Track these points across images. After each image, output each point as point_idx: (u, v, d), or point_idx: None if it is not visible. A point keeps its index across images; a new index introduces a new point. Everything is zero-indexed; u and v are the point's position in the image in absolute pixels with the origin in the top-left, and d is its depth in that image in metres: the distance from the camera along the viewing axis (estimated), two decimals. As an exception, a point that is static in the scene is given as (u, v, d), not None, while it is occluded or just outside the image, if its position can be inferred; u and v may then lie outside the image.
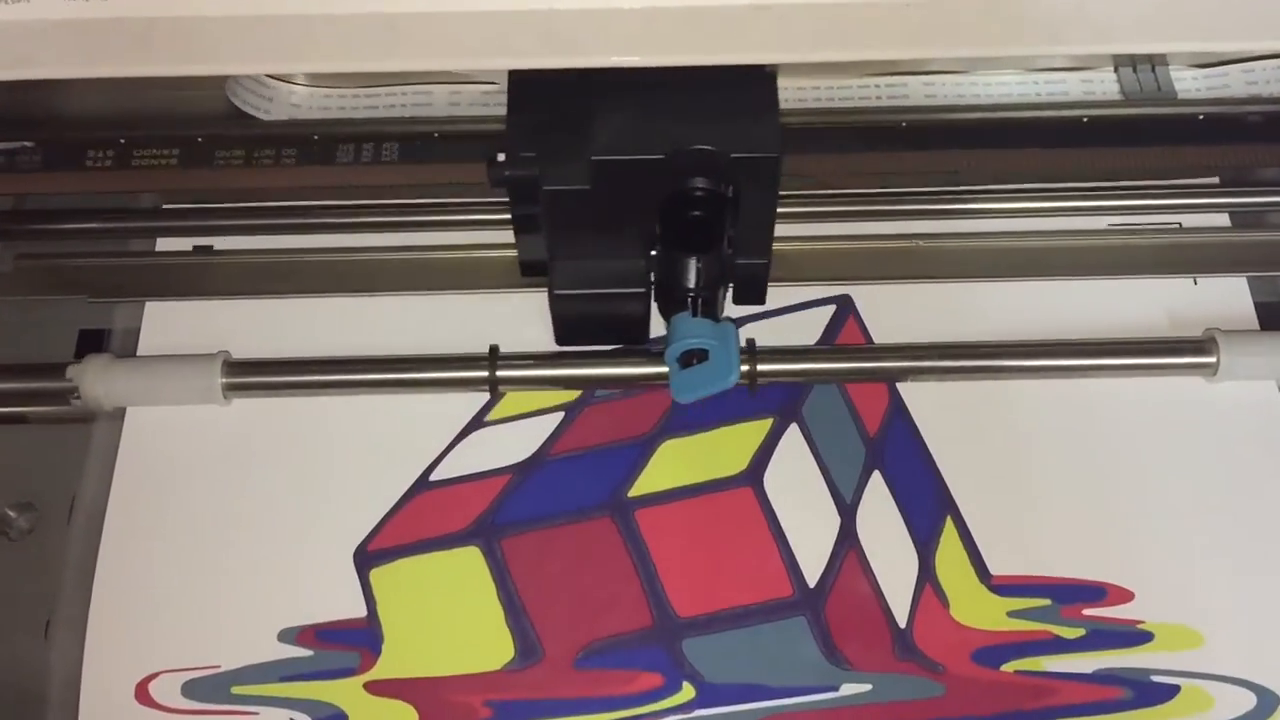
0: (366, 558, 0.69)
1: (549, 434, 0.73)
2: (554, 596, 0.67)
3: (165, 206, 0.82)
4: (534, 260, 0.72)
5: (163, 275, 0.78)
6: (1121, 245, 0.79)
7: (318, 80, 0.86)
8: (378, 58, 0.59)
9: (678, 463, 0.71)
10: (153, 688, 0.65)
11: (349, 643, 0.67)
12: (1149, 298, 0.76)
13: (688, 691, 0.65)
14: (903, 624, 0.67)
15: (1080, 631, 0.66)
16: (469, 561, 0.69)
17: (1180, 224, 0.80)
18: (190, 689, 0.65)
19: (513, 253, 0.72)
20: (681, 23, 0.58)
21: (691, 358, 0.67)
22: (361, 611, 0.67)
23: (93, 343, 0.76)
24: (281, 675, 0.66)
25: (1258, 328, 0.75)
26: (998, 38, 0.57)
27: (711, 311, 0.67)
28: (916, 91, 0.86)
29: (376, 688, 0.66)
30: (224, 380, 0.71)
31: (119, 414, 0.73)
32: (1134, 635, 0.66)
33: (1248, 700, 0.65)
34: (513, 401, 0.74)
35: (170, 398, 0.72)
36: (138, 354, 0.75)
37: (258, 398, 0.73)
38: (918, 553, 0.69)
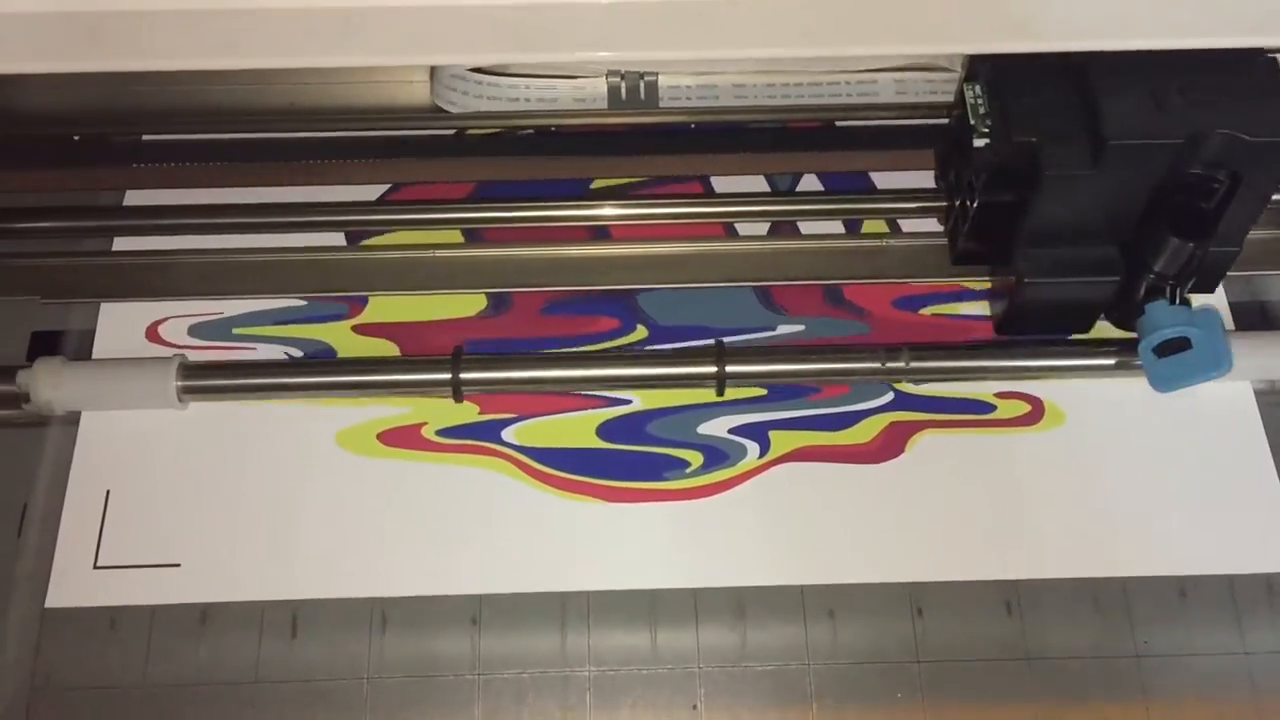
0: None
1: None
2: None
3: (125, 205, 0.80)
4: (975, 249, 0.72)
5: (119, 275, 0.77)
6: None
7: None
8: (330, 53, 0.57)
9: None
10: (162, 329, 0.75)
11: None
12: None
13: (641, 332, 0.75)
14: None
15: (988, 284, 0.76)
16: (449, 235, 0.78)
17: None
18: (196, 330, 0.75)
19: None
20: (654, 17, 0.56)
21: (1167, 347, 0.67)
22: None
23: (46, 345, 0.74)
24: (276, 319, 0.75)
25: (1232, 328, 0.74)
26: (968, 36, 0.56)
27: (1185, 299, 0.67)
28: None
29: (363, 329, 0.75)
30: (180, 383, 0.69)
31: (73, 418, 0.71)
32: None
33: None
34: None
35: (124, 402, 0.70)
36: (93, 356, 0.73)
37: (215, 401, 0.71)
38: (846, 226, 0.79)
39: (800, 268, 0.77)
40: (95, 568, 0.67)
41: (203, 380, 0.70)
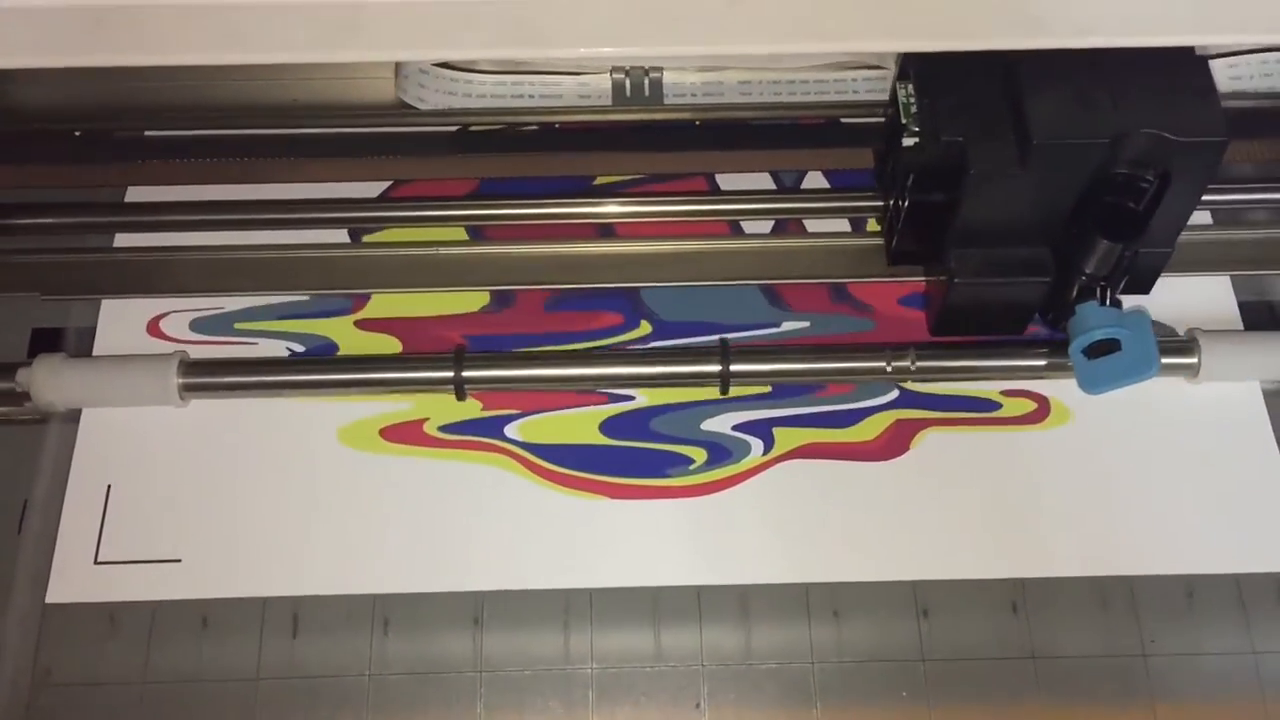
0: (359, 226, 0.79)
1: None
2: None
3: (126, 201, 0.79)
4: (910, 249, 0.72)
5: (119, 272, 0.76)
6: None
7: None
8: (335, 48, 0.56)
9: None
10: (164, 324, 0.74)
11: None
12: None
13: (645, 328, 0.75)
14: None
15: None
16: (452, 233, 0.78)
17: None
18: (197, 325, 0.74)
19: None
20: (655, 14, 0.56)
21: (1098, 348, 0.66)
22: None
23: (46, 342, 0.73)
24: (279, 314, 0.75)
25: (1241, 327, 0.74)
26: (978, 32, 0.56)
27: (1116, 300, 0.67)
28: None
29: (365, 325, 0.75)
30: (180, 381, 0.69)
31: (73, 416, 0.70)
32: None
33: None
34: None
35: (125, 399, 0.70)
36: (93, 353, 0.73)
37: (216, 399, 0.71)
38: (850, 222, 0.79)
39: (803, 266, 0.77)
40: (96, 563, 0.67)
41: (204, 378, 0.70)
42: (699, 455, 0.70)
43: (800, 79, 0.83)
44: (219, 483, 0.69)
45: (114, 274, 0.76)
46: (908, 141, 0.65)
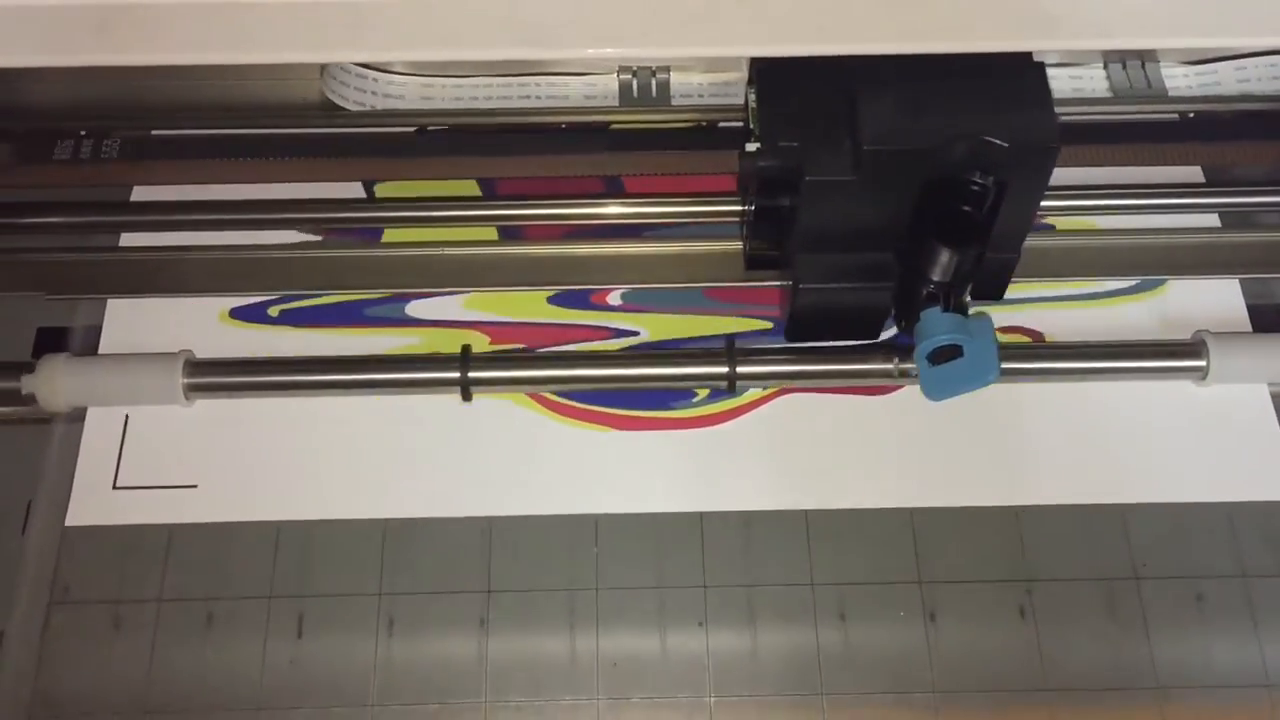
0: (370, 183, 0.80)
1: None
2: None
3: (132, 200, 0.79)
4: (765, 255, 0.72)
5: (126, 272, 0.76)
6: (1112, 245, 0.77)
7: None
8: (345, 48, 0.56)
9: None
10: None
11: (354, 236, 0.78)
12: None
13: None
14: None
15: None
16: (464, 187, 0.80)
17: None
18: None
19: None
20: (659, 14, 0.56)
21: (942, 354, 0.66)
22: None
23: (52, 341, 0.73)
24: None
25: (1250, 330, 0.74)
26: (991, 33, 0.55)
27: (961, 306, 0.66)
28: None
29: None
30: (186, 380, 0.69)
31: (79, 415, 0.70)
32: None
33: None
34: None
35: (130, 398, 0.70)
36: (99, 353, 0.72)
37: (221, 398, 0.71)
38: None
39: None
40: (115, 488, 0.68)
41: (209, 377, 0.70)
42: (702, 389, 0.72)
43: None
44: (235, 410, 0.70)
45: (119, 273, 0.76)
46: (750, 147, 0.64)
